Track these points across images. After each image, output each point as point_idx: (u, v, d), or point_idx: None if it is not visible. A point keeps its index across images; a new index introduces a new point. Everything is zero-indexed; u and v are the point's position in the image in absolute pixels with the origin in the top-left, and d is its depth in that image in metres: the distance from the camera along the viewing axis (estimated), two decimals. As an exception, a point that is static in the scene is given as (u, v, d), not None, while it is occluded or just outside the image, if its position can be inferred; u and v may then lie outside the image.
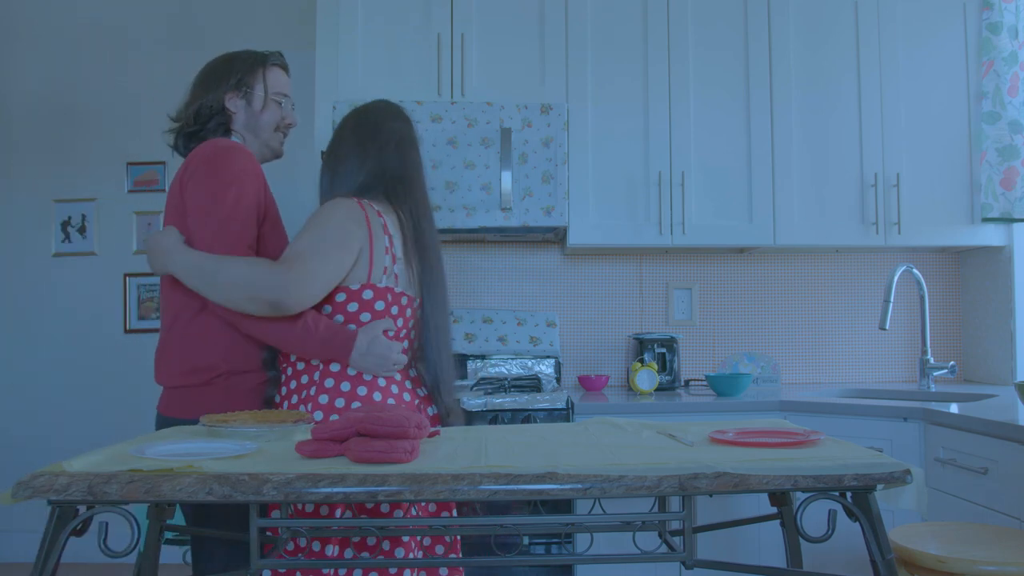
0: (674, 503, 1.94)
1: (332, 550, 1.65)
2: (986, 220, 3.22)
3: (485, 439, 1.58)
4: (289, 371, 1.83)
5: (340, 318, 1.76)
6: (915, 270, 3.26)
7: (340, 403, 1.74)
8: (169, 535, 1.83)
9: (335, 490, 1.26)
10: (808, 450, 1.43)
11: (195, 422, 1.75)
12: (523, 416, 2.81)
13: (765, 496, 1.62)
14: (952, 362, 3.27)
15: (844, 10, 3.28)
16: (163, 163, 4.08)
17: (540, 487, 1.28)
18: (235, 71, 2.01)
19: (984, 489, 2.26)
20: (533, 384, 3.15)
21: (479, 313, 3.44)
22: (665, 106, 3.23)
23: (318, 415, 1.74)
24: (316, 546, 1.65)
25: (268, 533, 1.65)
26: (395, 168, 1.87)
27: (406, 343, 1.83)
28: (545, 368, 3.40)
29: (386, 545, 1.69)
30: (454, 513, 1.80)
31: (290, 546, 1.65)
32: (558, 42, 3.21)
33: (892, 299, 3.17)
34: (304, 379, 1.79)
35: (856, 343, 3.60)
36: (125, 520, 1.29)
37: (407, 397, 1.81)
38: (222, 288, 1.71)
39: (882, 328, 3.15)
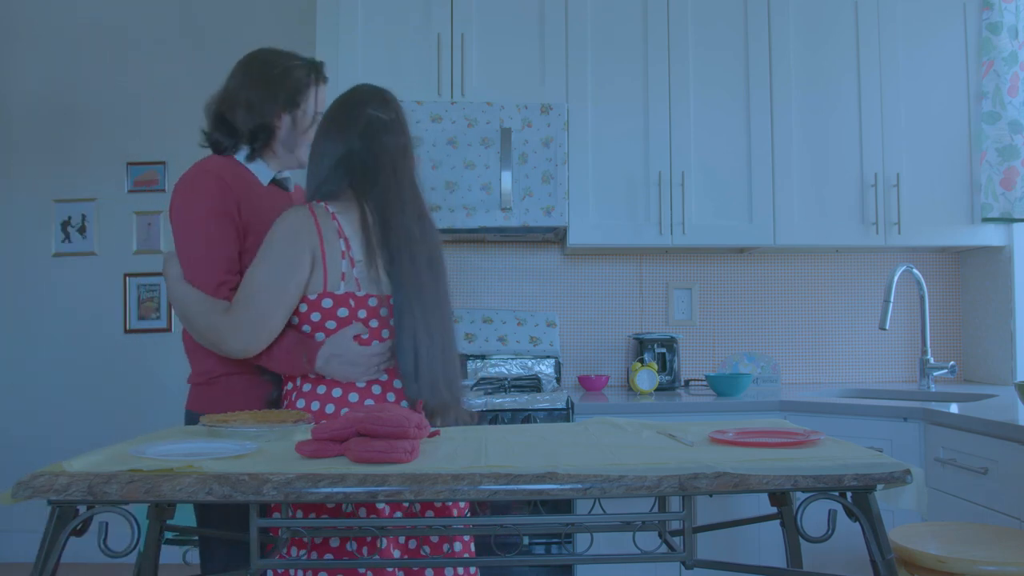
0: (674, 503, 1.94)
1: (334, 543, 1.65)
2: (986, 220, 3.22)
3: (485, 439, 1.58)
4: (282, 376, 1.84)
5: (307, 328, 1.74)
6: (915, 270, 3.26)
7: (315, 406, 1.74)
8: (169, 535, 1.83)
9: (335, 490, 1.26)
10: (808, 450, 1.43)
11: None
12: (523, 416, 2.81)
13: (765, 496, 1.62)
14: (952, 362, 3.28)
15: (844, 10, 3.28)
16: (163, 163, 4.08)
17: (540, 487, 1.27)
18: (289, 88, 1.93)
19: (984, 489, 2.26)
20: (533, 384, 3.15)
21: (479, 313, 3.44)
22: (665, 106, 3.23)
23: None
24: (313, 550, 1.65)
25: (269, 533, 1.65)
26: (361, 158, 1.76)
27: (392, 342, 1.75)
28: (545, 368, 3.40)
29: (412, 544, 1.68)
30: (467, 512, 1.79)
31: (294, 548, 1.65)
32: (558, 42, 3.21)
33: (892, 299, 3.17)
34: (289, 385, 1.81)
35: (856, 343, 3.60)
36: (125, 520, 1.29)
37: (391, 397, 1.76)
38: (195, 335, 1.82)
39: (882, 328, 3.15)
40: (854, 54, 3.27)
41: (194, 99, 4.14)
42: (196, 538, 2.43)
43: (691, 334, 3.57)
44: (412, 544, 1.70)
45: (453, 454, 1.42)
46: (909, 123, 3.27)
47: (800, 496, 1.40)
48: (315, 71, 2.00)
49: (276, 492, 1.24)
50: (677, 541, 1.63)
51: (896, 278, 3.19)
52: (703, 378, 3.47)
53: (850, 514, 1.38)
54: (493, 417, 2.81)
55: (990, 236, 3.27)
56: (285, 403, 1.82)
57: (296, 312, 1.74)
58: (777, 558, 2.73)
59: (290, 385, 1.80)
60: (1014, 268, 3.27)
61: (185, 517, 2.05)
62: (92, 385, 4.02)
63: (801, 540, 1.54)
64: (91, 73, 4.10)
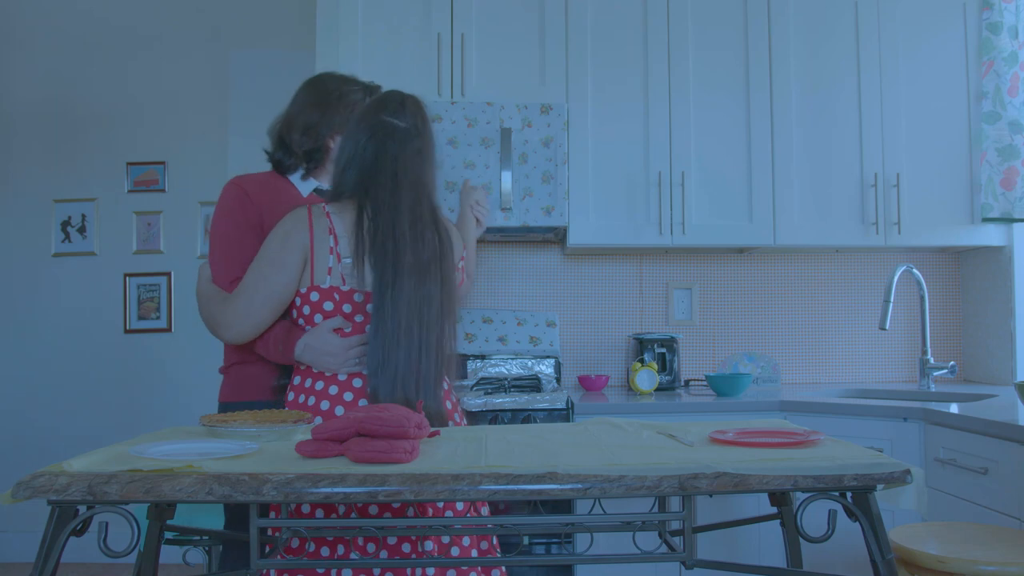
0: (674, 503, 1.94)
1: (340, 550, 1.65)
2: (986, 220, 3.22)
3: (485, 439, 1.58)
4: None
5: (301, 321, 1.83)
6: (915, 270, 3.26)
7: (291, 396, 1.85)
8: (169, 535, 1.83)
9: (335, 490, 1.26)
10: (808, 450, 1.43)
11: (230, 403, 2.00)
12: (523, 416, 2.81)
13: (765, 496, 1.62)
14: (952, 362, 3.27)
15: (844, 10, 3.28)
16: (163, 163, 4.09)
17: (540, 487, 1.28)
18: (343, 110, 2.05)
19: (984, 489, 2.26)
20: (533, 384, 3.15)
21: (479, 313, 3.44)
22: (665, 106, 3.23)
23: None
24: (311, 546, 1.65)
25: (272, 533, 1.65)
26: (367, 160, 1.83)
27: None
28: (545, 368, 3.40)
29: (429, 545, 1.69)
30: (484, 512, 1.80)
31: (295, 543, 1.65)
32: (558, 42, 3.21)
33: (892, 299, 3.17)
34: (296, 379, 1.88)
35: (856, 343, 3.60)
36: (125, 520, 1.29)
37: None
38: (205, 322, 1.94)
39: (882, 328, 3.15)
40: (854, 54, 3.27)
41: (194, 99, 4.19)
42: (196, 538, 2.44)
43: (691, 334, 3.57)
44: (407, 547, 1.70)
45: (453, 454, 1.42)
46: (909, 123, 3.27)
47: (800, 496, 1.40)
48: (371, 95, 2.10)
49: (276, 492, 1.24)
50: (677, 541, 1.63)
51: (896, 278, 3.19)
52: (703, 378, 3.47)
53: (850, 514, 1.38)
54: (493, 417, 2.81)
55: (990, 236, 3.27)
56: (290, 395, 1.87)
57: (292, 306, 1.84)
58: (777, 558, 2.73)
59: (297, 379, 1.86)
60: (1014, 268, 3.26)
61: (185, 517, 2.06)
62: (92, 385, 4.02)
63: (801, 540, 1.54)
64: (91, 73, 4.10)
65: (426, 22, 3.19)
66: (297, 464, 1.34)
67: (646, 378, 3.20)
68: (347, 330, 1.78)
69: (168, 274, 4.05)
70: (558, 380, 3.37)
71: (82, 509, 1.31)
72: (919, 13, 3.29)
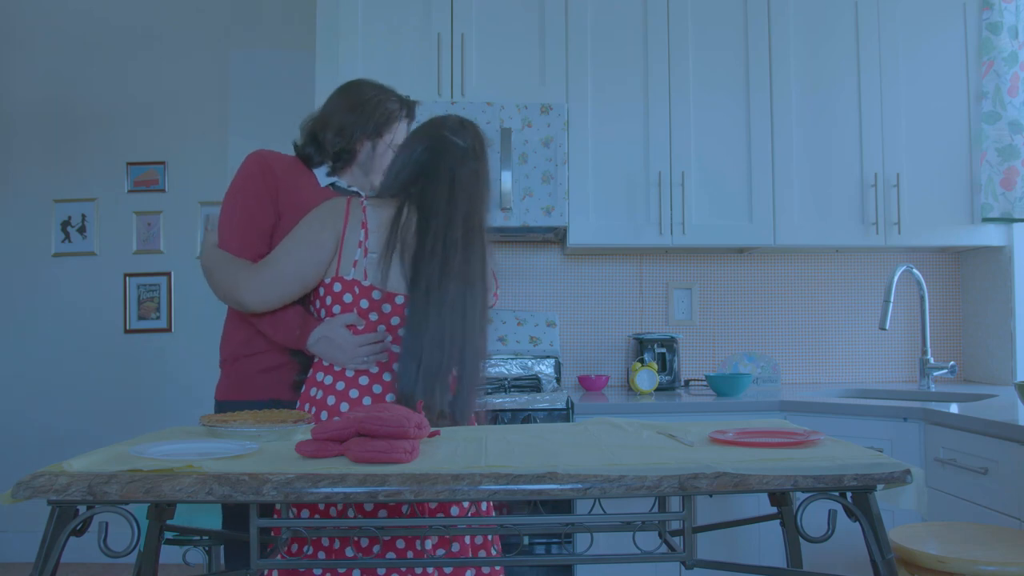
0: (674, 503, 1.94)
1: (348, 551, 1.65)
2: (986, 220, 3.22)
3: (485, 439, 1.58)
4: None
5: (323, 311, 1.84)
6: (915, 270, 3.26)
7: (302, 388, 1.88)
8: (169, 535, 1.83)
9: (335, 490, 1.26)
10: (808, 450, 1.43)
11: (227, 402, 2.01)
12: (523, 416, 2.81)
13: (765, 496, 1.62)
14: (952, 362, 3.27)
15: (844, 10, 3.28)
16: (163, 163, 4.09)
17: (540, 487, 1.28)
18: (379, 118, 2.08)
19: (984, 489, 2.26)
20: (533, 384, 3.15)
21: (479, 313, 3.44)
22: (665, 106, 3.23)
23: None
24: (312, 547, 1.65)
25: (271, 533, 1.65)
26: (421, 166, 1.85)
27: (389, 338, 1.80)
28: (545, 368, 3.40)
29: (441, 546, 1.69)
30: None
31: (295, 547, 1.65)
32: (558, 42, 3.21)
33: (892, 299, 3.17)
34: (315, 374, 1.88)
35: (856, 343, 3.60)
36: (125, 520, 1.29)
37: (377, 389, 1.80)
38: (215, 286, 1.93)
39: (882, 328, 3.15)
40: (854, 54, 3.27)
41: (194, 99, 4.19)
42: (196, 538, 2.44)
43: (691, 334, 3.57)
44: (401, 544, 1.70)
45: (453, 454, 1.42)
46: (909, 123, 3.27)
47: (800, 496, 1.40)
48: (407, 107, 2.15)
49: (276, 492, 1.25)
50: (677, 541, 1.63)
51: (896, 278, 3.19)
52: (703, 378, 3.47)
53: (850, 514, 1.38)
54: (493, 417, 2.81)
55: (990, 236, 3.27)
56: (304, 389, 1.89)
57: (315, 295, 1.85)
58: (777, 558, 2.73)
59: (314, 374, 1.88)
60: (1014, 268, 3.26)
61: (185, 517, 2.07)
62: (92, 385, 4.02)
63: (801, 540, 1.54)
64: (91, 73, 4.10)
65: (426, 22, 3.19)
66: (297, 464, 1.34)
67: (646, 378, 3.20)
68: (360, 327, 1.79)
69: (168, 274, 4.05)
70: (558, 380, 3.37)
71: (82, 509, 1.31)
72: (919, 13, 3.29)
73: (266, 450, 1.46)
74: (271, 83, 4.03)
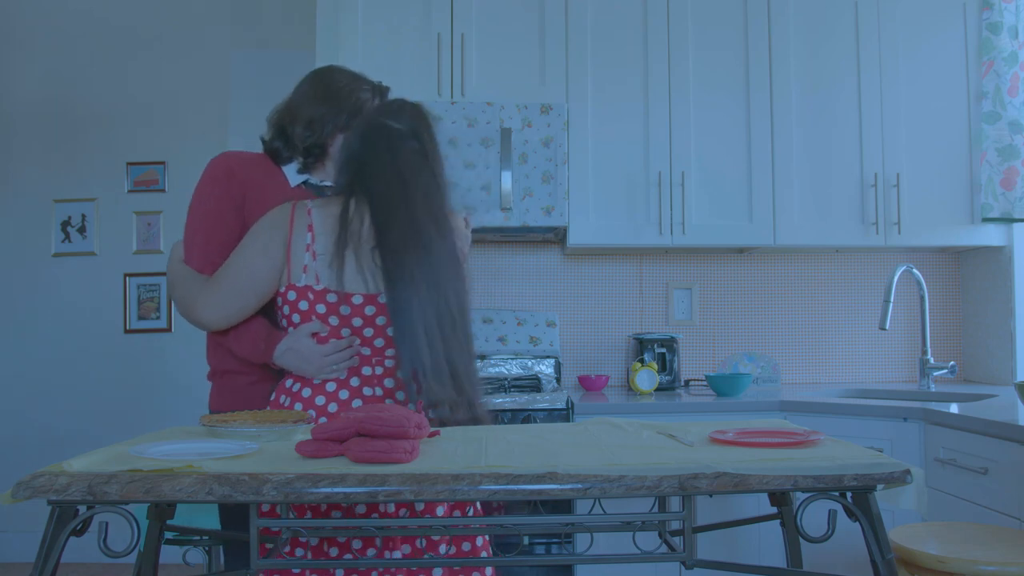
0: (674, 503, 1.94)
1: (333, 551, 1.65)
2: (986, 220, 3.22)
3: (485, 439, 1.57)
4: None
5: (285, 323, 1.79)
6: (915, 270, 3.26)
7: (272, 396, 1.83)
8: (169, 535, 1.83)
9: (335, 490, 1.26)
10: (808, 450, 1.43)
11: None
12: (523, 416, 2.81)
13: (765, 496, 1.62)
14: (952, 362, 3.27)
15: (844, 10, 3.28)
16: (163, 163, 4.09)
17: (540, 487, 1.27)
18: (351, 108, 1.95)
19: (984, 489, 2.26)
20: (533, 384, 3.15)
21: (479, 313, 3.44)
22: (665, 106, 3.23)
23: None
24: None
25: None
26: (360, 161, 1.79)
27: (357, 341, 1.75)
28: (545, 368, 3.39)
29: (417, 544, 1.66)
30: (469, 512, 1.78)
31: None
32: (558, 42, 3.21)
33: (892, 299, 3.17)
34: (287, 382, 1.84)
35: (856, 343, 3.60)
36: (125, 520, 1.29)
37: (344, 395, 1.75)
38: (176, 304, 1.89)
39: (882, 328, 3.15)
40: (854, 54, 3.27)
41: (194, 99, 4.19)
42: (196, 538, 2.44)
43: (691, 334, 3.57)
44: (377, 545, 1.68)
45: (453, 454, 1.42)
46: (909, 123, 3.27)
47: (800, 496, 1.40)
48: (380, 95, 2.01)
49: (276, 492, 1.24)
50: (677, 541, 1.63)
51: (896, 278, 3.19)
52: (703, 378, 3.47)
53: (850, 514, 1.38)
54: (493, 417, 2.80)
55: (990, 236, 3.27)
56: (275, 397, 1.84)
57: (276, 306, 1.80)
58: (777, 558, 2.73)
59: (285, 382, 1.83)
60: (1014, 268, 3.26)
61: (185, 517, 2.06)
62: (92, 385, 4.02)
63: (801, 540, 1.54)
64: (91, 73, 4.10)
65: (426, 22, 3.19)
66: (297, 464, 1.33)
67: (646, 378, 3.20)
68: (323, 334, 1.73)
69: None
70: (558, 380, 3.37)
71: (82, 509, 1.31)
72: (919, 13, 3.29)
73: (266, 450, 1.46)
74: (271, 83, 4.00)
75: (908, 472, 1.32)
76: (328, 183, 2.01)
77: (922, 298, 3.32)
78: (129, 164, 4.08)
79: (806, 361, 3.60)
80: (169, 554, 3.13)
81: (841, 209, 3.25)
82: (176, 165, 4.09)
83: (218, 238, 1.85)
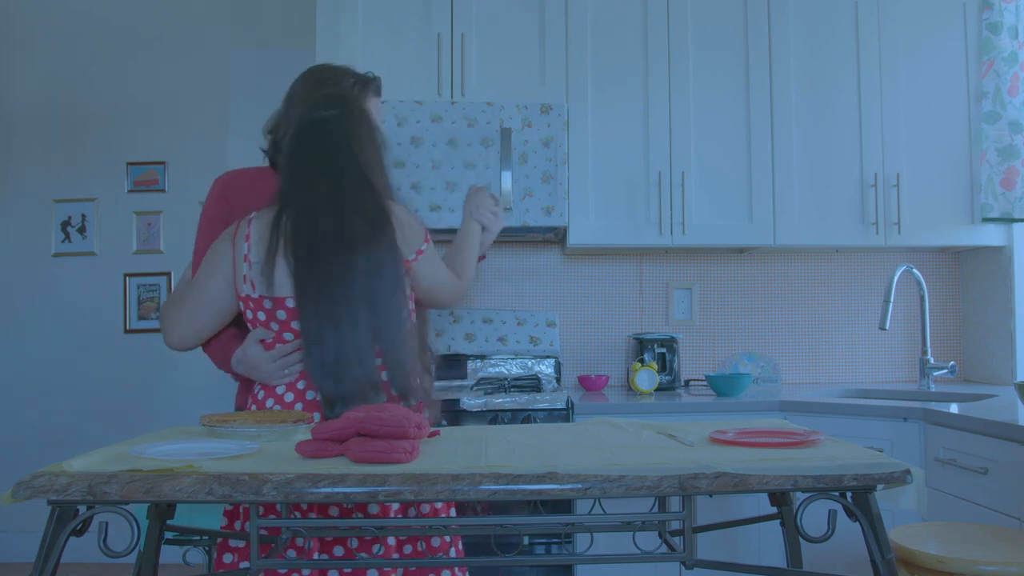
0: (674, 503, 1.94)
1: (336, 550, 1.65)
2: (986, 220, 3.22)
3: (485, 439, 1.58)
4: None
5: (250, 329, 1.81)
6: (915, 270, 3.26)
7: (251, 404, 1.83)
8: (169, 535, 1.83)
9: (335, 490, 1.26)
10: (808, 450, 1.43)
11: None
12: (523, 416, 2.81)
13: (765, 496, 1.62)
14: (952, 362, 3.27)
15: (844, 10, 3.28)
16: (163, 163, 4.09)
17: (540, 487, 1.27)
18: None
19: (984, 489, 2.26)
20: (533, 384, 3.15)
21: (479, 313, 3.44)
22: (665, 106, 3.23)
23: None
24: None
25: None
26: (287, 160, 1.78)
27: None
28: (545, 368, 3.40)
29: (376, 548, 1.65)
30: (452, 513, 1.78)
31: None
32: (558, 42, 3.21)
33: (892, 299, 3.17)
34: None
35: (856, 343, 3.60)
36: (125, 520, 1.29)
37: (289, 398, 1.75)
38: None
39: (882, 328, 3.15)
40: (854, 54, 3.27)
41: (194, 99, 4.19)
42: (196, 538, 2.44)
43: (691, 334, 3.57)
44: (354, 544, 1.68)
45: (453, 454, 1.42)
46: (909, 123, 3.27)
47: (800, 496, 1.40)
48: (364, 85, 1.99)
49: (276, 492, 1.24)
50: (677, 541, 1.63)
51: (896, 278, 3.19)
52: (703, 378, 3.47)
53: (850, 514, 1.38)
54: (493, 417, 2.81)
55: (990, 236, 3.27)
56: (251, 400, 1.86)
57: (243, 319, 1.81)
58: (777, 558, 2.73)
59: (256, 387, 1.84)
60: (1014, 268, 3.26)
61: (185, 517, 2.06)
62: (92, 385, 4.02)
63: (801, 540, 1.54)
64: (91, 73, 4.10)
65: (426, 22, 3.19)
66: (297, 464, 1.33)
67: (646, 378, 3.20)
68: (268, 340, 1.75)
69: (168, 274, 4.05)
70: (558, 380, 3.37)
71: (82, 509, 1.31)
72: (919, 13, 3.29)
73: (266, 450, 1.46)
74: (271, 83, 4.00)
75: (908, 472, 1.32)
76: None
77: (922, 298, 3.32)
78: (129, 164, 4.08)
79: (806, 361, 3.60)
80: (169, 554, 3.13)
81: (841, 209, 3.25)
82: (176, 165, 4.09)
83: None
